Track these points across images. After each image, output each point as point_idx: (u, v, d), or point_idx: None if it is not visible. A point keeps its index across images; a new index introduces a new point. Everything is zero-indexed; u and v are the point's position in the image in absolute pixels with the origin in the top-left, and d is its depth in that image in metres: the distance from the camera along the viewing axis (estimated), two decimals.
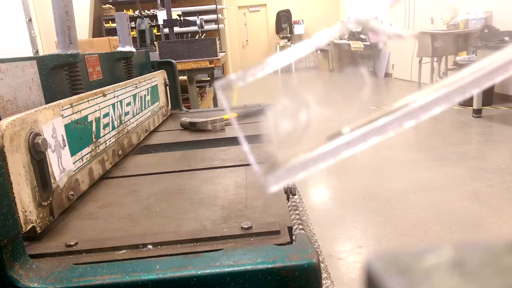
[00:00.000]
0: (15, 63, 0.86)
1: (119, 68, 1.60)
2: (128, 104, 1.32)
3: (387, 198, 2.88)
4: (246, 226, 0.67)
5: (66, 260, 0.63)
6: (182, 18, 4.44)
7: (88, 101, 1.00)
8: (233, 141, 1.33)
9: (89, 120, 1.00)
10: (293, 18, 12.57)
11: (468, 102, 5.07)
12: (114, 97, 1.19)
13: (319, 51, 11.29)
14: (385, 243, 2.30)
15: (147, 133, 1.51)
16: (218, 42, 3.84)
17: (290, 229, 0.67)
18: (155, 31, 5.50)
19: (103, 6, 9.27)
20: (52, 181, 0.77)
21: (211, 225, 0.71)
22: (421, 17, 7.64)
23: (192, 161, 1.16)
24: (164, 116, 1.80)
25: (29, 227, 0.67)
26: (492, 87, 4.83)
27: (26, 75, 0.90)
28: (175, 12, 4.68)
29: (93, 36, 7.80)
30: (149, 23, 4.09)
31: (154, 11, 8.63)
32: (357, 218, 2.64)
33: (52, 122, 0.80)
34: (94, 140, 1.02)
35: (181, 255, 0.61)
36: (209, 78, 4.93)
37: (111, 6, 9.41)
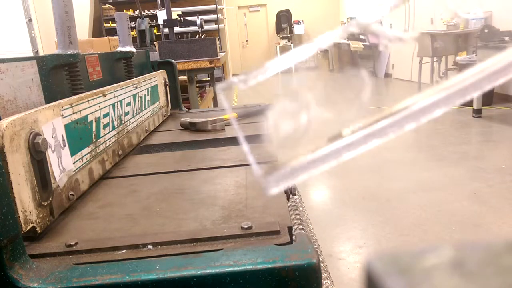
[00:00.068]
0: (15, 63, 0.86)
1: (119, 68, 1.60)
2: (128, 104, 1.32)
3: (387, 198, 2.88)
4: (246, 226, 0.67)
5: (66, 260, 0.63)
6: (182, 18, 4.44)
7: (88, 101, 1.00)
8: (233, 141, 1.33)
9: (89, 120, 1.00)
10: (293, 18, 12.57)
11: (468, 102, 5.06)
12: (114, 97, 1.19)
13: (319, 51, 11.28)
14: (385, 243, 2.30)
15: (147, 133, 1.51)
16: (218, 42, 3.84)
17: (290, 229, 0.67)
18: (155, 31, 5.50)
19: (103, 6, 9.27)
20: (52, 181, 0.77)
21: (211, 225, 0.71)
22: (421, 17, 7.64)
23: (192, 161, 1.16)
24: (164, 116, 1.80)
25: (29, 227, 0.67)
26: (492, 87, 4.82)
27: (26, 75, 0.90)
28: (175, 12, 4.68)
29: (93, 36, 7.80)
30: (149, 23, 4.09)
31: (154, 11, 8.63)
32: (357, 218, 2.64)
33: (52, 122, 0.80)
34: (94, 140, 1.02)
35: (181, 255, 0.61)
36: (209, 78, 4.93)
37: (111, 6, 9.41)
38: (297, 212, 0.74)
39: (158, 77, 1.76)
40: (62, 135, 0.84)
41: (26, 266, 0.57)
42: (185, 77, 3.16)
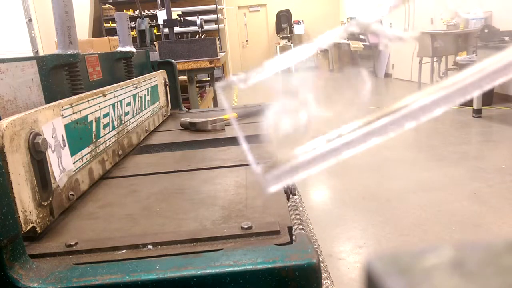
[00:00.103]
0: (15, 63, 0.86)
1: (119, 68, 1.60)
2: (128, 104, 1.32)
3: (387, 198, 2.88)
4: (246, 226, 0.67)
5: (66, 260, 0.63)
6: (182, 18, 4.44)
7: (88, 101, 1.00)
8: (233, 141, 1.33)
9: (89, 120, 1.00)
10: (293, 18, 12.57)
11: (468, 102, 5.06)
12: (114, 97, 1.19)
13: (319, 51, 11.28)
14: (385, 243, 2.30)
15: (147, 133, 1.51)
16: (218, 42, 3.84)
17: (290, 229, 0.67)
18: (155, 31, 5.50)
19: (103, 6, 9.27)
20: (52, 181, 0.77)
21: (211, 225, 0.71)
22: (421, 17, 7.64)
23: (192, 161, 1.16)
24: (164, 116, 1.80)
25: (29, 227, 0.67)
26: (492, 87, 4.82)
27: (26, 75, 0.90)
28: (175, 12, 4.68)
29: (93, 36, 7.80)
30: (149, 23, 4.09)
31: (154, 11, 8.63)
32: (357, 218, 2.64)
33: (52, 122, 0.80)
34: (94, 140, 1.02)
35: (181, 255, 0.61)
36: (209, 78, 4.93)
37: (111, 6, 9.41)
38: (297, 212, 0.74)
39: (158, 77, 1.76)
40: (62, 135, 0.84)
41: (26, 266, 0.57)
42: (185, 77, 3.16)
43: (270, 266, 0.54)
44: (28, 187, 0.68)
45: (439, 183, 3.10)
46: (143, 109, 1.49)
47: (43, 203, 0.72)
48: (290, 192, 0.86)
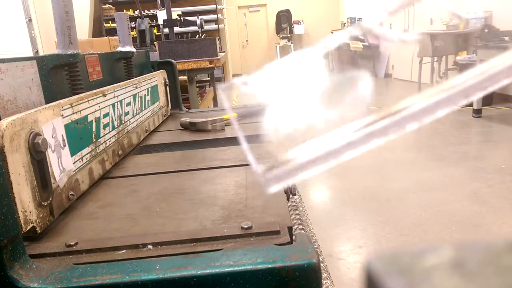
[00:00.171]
0: (15, 63, 0.86)
1: (119, 68, 1.60)
2: (128, 104, 1.32)
3: (387, 198, 2.88)
4: (246, 226, 0.67)
5: (66, 260, 0.63)
6: (182, 18, 4.44)
7: (88, 101, 1.00)
8: (233, 141, 1.33)
9: (89, 120, 1.00)
10: (293, 18, 12.57)
11: (468, 103, 5.05)
12: (114, 97, 1.19)
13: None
14: (385, 243, 2.30)
15: (147, 133, 1.51)
16: (218, 42, 3.84)
17: (290, 229, 0.67)
18: (155, 31, 5.50)
19: (103, 6, 9.27)
20: (52, 181, 0.77)
21: (211, 225, 0.71)
22: (421, 17, 7.64)
23: (192, 161, 1.16)
24: (164, 116, 1.80)
25: (29, 227, 0.67)
26: None
27: (26, 75, 0.90)
28: (175, 12, 4.68)
29: (93, 36, 7.80)
30: (149, 23, 4.09)
31: (154, 11, 8.63)
32: (357, 218, 2.64)
33: (52, 122, 0.80)
34: (94, 140, 1.02)
35: (181, 255, 0.61)
36: (209, 78, 4.93)
37: (111, 6, 9.41)
38: (297, 212, 0.74)
39: (158, 77, 1.76)
40: (62, 135, 0.84)
41: (26, 266, 0.57)
42: (185, 77, 3.16)
43: (270, 266, 0.54)
44: (28, 187, 0.68)
45: (439, 183, 3.10)
46: (143, 109, 1.49)
47: (43, 203, 0.72)
48: (290, 192, 0.86)
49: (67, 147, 0.85)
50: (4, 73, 0.82)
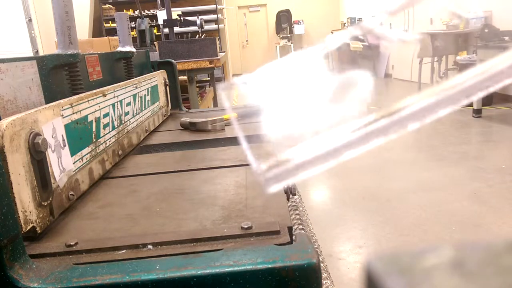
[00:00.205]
0: (15, 63, 0.86)
1: (119, 68, 1.60)
2: (128, 104, 1.32)
3: (387, 198, 2.88)
4: (246, 226, 0.67)
5: (66, 260, 0.63)
6: (182, 18, 4.44)
7: (88, 101, 1.00)
8: (233, 141, 1.33)
9: (89, 120, 1.00)
10: (293, 18, 12.57)
11: (468, 102, 5.05)
12: (114, 97, 1.19)
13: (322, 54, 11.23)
14: (385, 243, 2.30)
15: (147, 133, 1.51)
16: (218, 42, 3.84)
17: (290, 229, 0.67)
18: (155, 31, 5.50)
19: (103, 6, 9.26)
20: (52, 181, 0.77)
21: (211, 225, 0.71)
22: (421, 17, 7.64)
23: (192, 161, 1.16)
24: (164, 116, 1.80)
25: (29, 227, 0.67)
26: None
27: (26, 75, 0.90)
28: (175, 12, 4.68)
29: (93, 36, 7.80)
30: (149, 23, 4.09)
31: (154, 11, 8.63)
32: (357, 218, 2.64)
33: (52, 122, 0.80)
34: (94, 140, 1.02)
35: (181, 255, 0.61)
36: (209, 78, 4.93)
37: (111, 6, 9.41)
38: (297, 212, 0.74)
39: (158, 77, 1.76)
40: (62, 135, 0.84)
41: (26, 266, 0.57)
42: (185, 77, 3.16)
43: (270, 266, 0.54)
44: (28, 187, 0.68)
45: (439, 183, 3.10)
46: (143, 109, 1.49)
47: (43, 203, 0.72)
48: (290, 192, 0.86)
49: (67, 147, 0.85)
50: (4, 73, 0.82)
